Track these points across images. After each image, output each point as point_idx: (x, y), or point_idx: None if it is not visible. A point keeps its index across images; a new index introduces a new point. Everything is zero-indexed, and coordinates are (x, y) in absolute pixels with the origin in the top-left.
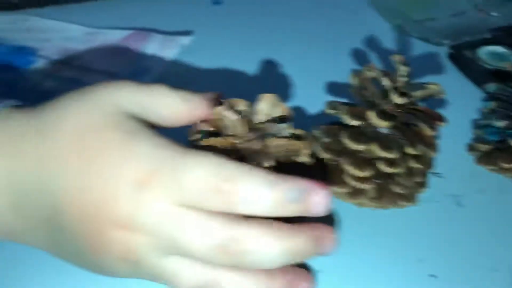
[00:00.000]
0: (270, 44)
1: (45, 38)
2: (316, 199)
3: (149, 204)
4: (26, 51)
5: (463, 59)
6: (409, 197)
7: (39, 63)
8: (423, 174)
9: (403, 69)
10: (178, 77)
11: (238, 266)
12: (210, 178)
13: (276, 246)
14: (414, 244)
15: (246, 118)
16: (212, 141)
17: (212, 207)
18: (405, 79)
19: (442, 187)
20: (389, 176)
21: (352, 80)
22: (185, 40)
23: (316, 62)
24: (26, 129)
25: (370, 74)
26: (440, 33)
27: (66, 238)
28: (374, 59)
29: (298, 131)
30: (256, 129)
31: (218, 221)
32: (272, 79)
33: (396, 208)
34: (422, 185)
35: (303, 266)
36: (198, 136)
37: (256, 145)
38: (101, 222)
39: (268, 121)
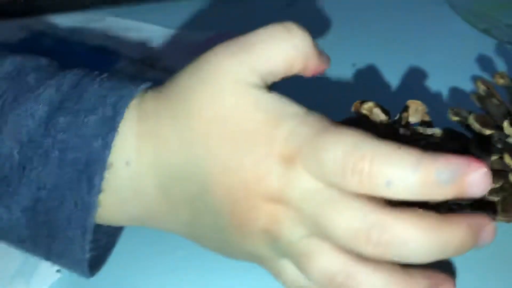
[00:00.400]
0: (351, 47)
1: (124, 38)
2: (475, 178)
3: (296, 180)
4: (108, 51)
5: None
6: None
7: (121, 64)
8: None
9: None
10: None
11: (380, 258)
12: (347, 156)
13: (428, 237)
14: None
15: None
16: None
17: (352, 188)
18: None
19: None
20: None
21: (479, 88)
22: None
23: (401, 68)
24: (161, 114)
25: (501, 81)
26: None
27: (209, 218)
28: (461, 65)
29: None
30: (404, 130)
31: (363, 203)
32: (365, 84)
33: None
34: None
35: (445, 263)
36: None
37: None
38: (250, 199)
39: (414, 125)
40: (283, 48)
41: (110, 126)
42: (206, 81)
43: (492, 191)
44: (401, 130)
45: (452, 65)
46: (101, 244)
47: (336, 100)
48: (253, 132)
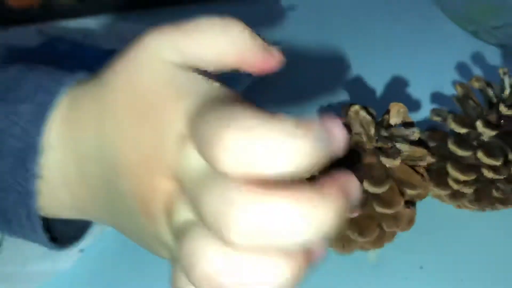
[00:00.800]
0: (349, 50)
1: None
2: (339, 131)
3: (187, 158)
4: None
5: None
6: (506, 201)
7: None
8: None
9: (509, 82)
10: (267, 85)
11: (251, 247)
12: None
13: (305, 213)
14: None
15: (375, 120)
16: None
17: (229, 169)
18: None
19: None
20: (490, 181)
21: (458, 91)
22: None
23: (393, 69)
24: (85, 98)
25: (477, 85)
26: None
27: (122, 204)
28: (449, 66)
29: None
30: (385, 131)
31: (235, 183)
32: (357, 84)
33: (493, 210)
34: None
35: None
36: None
37: (382, 143)
38: (152, 178)
39: (396, 125)
40: (216, 41)
41: (42, 113)
42: (129, 58)
43: (466, 183)
44: (382, 131)
45: (441, 66)
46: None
47: (328, 100)
48: (159, 107)
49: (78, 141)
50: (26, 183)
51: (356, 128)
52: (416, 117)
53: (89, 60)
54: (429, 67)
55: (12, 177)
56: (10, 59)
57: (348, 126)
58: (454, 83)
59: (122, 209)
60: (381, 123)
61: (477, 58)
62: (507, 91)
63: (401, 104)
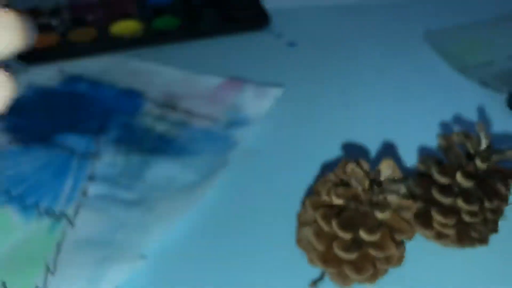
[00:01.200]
0: (346, 92)
1: (148, 80)
2: None
3: None
4: (134, 94)
5: None
6: (483, 240)
7: (147, 106)
8: (496, 222)
9: (485, 137)
10: (276, 130)
11: None
12: None
13: None
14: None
15: (369, 175)
16: (340, 189)
17: None
18: (486, 145)
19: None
20: (469, 223)
21: (440, 142)
22: (277, 92)
23: (387, 113)
24: None
25: (457, 140)
26: (498, 78)
27: None
28: (440, 105)
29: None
30: (377, 185)
31: None
32: (354, 125)
33: (473, 248)
34: (494, 230)
35: None
36: None
37: (375, 197)
38: None
39: (386, 180)
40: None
41: None
42: None
43: (448, 225)
44: (375, 186)
45: (429, 105)
46: None
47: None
48: None
49: None
50: None
51: (353, 182)
52: (410, 159)
53: (106, 99)
54: (422, 110)
55: None
56: (36, 99)
57: (347, 183)
58: (445, 127)
59: None
60: (374, 178)
61: (466, 96)
62: (482, 146)
63: (390, 161)
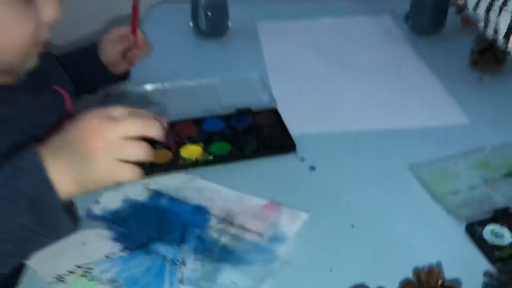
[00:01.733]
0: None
1: (211, 197)
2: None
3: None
4: (202, 210)
5: (476, 236)
6: None
7: (212, 222)
8: None
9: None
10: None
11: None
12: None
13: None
14: None
15: None
16: None
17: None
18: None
19: None
20: None
21: (414, 277)
22: (305, 216)
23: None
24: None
25: (422, 278)
26: (459, 206)
27: (77, 158)
28: (413, 234)
29: None
30: None
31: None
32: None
33: None
34: None
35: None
36: None
37: None
38: (92, 138)
39: None
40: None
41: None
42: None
43: None
44: None
45: (403, 230)
46: None
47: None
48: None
49: (64, 161)
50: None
51: None
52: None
53: (183, 213)
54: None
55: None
56: (131, 212)
57: None
58: (417, 256)
59: (77, 161)
60: None
61: (436, 227)
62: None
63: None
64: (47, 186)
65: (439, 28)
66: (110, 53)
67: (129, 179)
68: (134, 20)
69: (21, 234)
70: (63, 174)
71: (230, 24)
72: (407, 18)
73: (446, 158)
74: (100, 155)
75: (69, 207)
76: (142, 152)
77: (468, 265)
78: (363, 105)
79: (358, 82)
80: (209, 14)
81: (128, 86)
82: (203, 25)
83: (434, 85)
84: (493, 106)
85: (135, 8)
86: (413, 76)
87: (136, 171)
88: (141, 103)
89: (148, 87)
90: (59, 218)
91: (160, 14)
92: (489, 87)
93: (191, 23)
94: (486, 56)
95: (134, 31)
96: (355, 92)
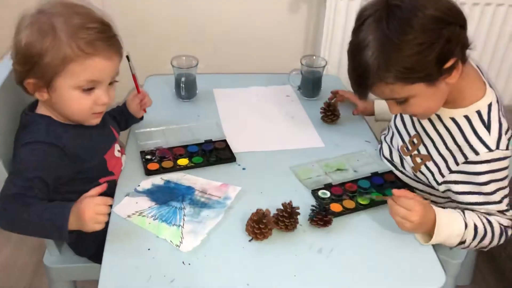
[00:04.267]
0: None
1: (194, 183)
2: None
3: None
4: (191, 188)
5: (315, 194)
6: None
7: (196, 193)
8: None
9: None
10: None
11: None
12: None
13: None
14: None
15: None
16: None
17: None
18: None
19: None
20: None
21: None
22: (238, 188)
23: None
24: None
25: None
26: (311, 183)
27: (78, 218)
28: None
29: None
30: None
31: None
32: None
33: None
34: None
35: None
36: None
37: None
38: (82, 212)
39: None
40: None
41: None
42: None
43: None
44: None
45: None
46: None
47: None
48: None
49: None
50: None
51: None
52: None
53: (181, 190)
54: None
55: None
56: (156, 189)
57: None
58: None
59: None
60: None
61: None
62: None
63: None
64: (65, 220)
65: (315, 95)
66: (131, 106)
67: (98, 228)
68: (136, 84)
69: (43, 232)
70: (72, 221)
71: (197, 91)
72: (299, 87)
73: (309, 163)
74: (87, 219)
75: (68, 232)
76: (104, 215)
77: (309, 206)
78: (271, 136)
79: (270, 124)
80: (185, 86)
81: (140, 128)
82: (182, 92)
83: (309, 125)
84: (336, 137)
85: (134, 77)
86: (299, 121)
87: (101, 225)
88: (147, 139)
89: (152, 129)
90: (62, 233)
91: (153, 82)
92: (333, 128)
93: (174, 90)
94: (328, 113)
95: (138, 91)
96: (269, 130)
